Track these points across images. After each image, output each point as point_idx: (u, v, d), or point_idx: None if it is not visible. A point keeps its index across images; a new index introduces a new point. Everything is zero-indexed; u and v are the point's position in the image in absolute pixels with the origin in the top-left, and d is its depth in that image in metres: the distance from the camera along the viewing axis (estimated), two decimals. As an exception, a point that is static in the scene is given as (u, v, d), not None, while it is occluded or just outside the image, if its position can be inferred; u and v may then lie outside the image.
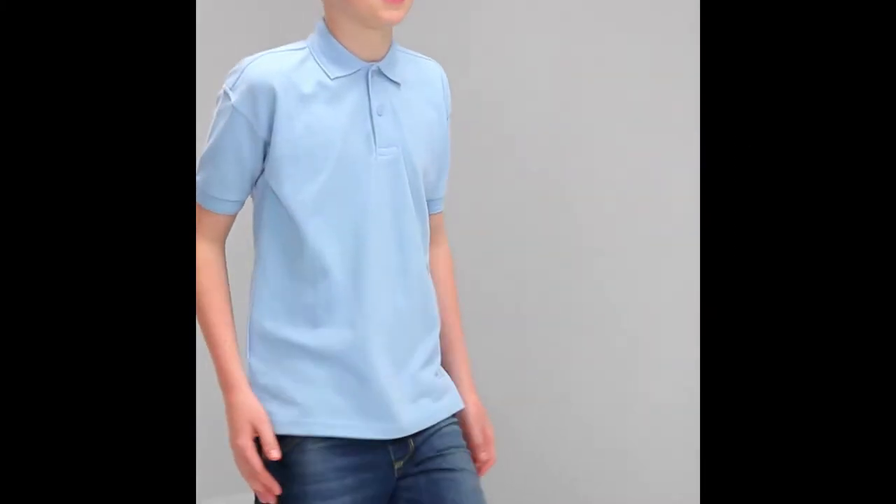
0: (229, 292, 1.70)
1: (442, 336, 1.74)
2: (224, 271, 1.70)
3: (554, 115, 3.26)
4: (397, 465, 1.63)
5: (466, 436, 1.74)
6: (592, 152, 3.18)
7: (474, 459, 1.73)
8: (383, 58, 1.62)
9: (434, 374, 1.69)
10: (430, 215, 1.71)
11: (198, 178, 1.67)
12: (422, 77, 1.68)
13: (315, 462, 1.59)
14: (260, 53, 1.65)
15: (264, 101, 1.59)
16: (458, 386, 1.74)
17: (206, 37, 4.36)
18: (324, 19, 1.64)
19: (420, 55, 1.71)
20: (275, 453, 1.56)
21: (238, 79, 1.64)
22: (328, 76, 1.59)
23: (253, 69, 1.61)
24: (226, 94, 1.65)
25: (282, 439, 1.61)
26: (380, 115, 1.59)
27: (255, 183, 1.67)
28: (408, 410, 1.63)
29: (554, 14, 3.25)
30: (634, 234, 3.12)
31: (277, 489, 1.57)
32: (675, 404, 3.06)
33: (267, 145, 1.61)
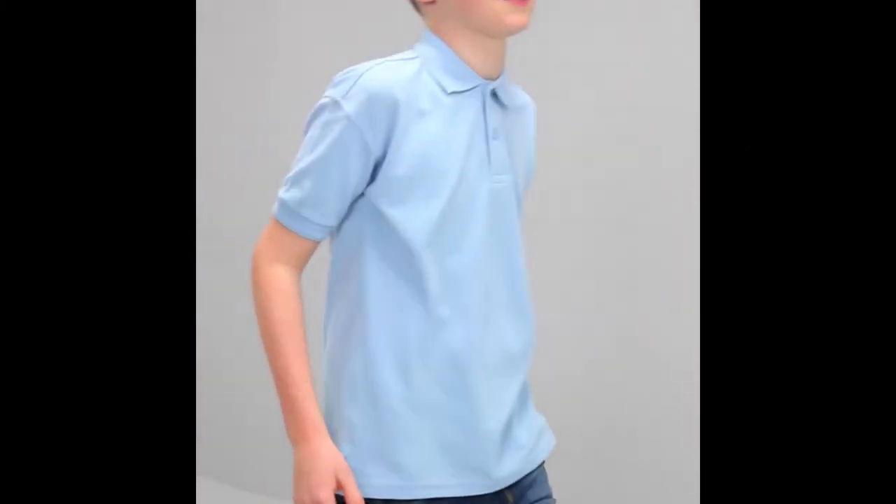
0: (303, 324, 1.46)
1: None
2: (302, 304, 1.47)
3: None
4: None
5: None
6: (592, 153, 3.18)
7: None
8: (499, 76, 1.47)
9: (531, 414, 1.56)
10: None
11: (287, 195, 1.47)
12: (519, 105, 1.54)
13: None
14: (371, 62, 1.43)
15: (385, 114, 1.38)
16: None
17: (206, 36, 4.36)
18: (430, 29, 1.48)
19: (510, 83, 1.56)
20: None
21: (352, 87, 1.41)
22: (444, 91, 1.42)
23: (371, 77, 1.40)
24: (336, 103, 1.42)
25: (372, 502, 1.45)
26: (495, 139, 1.44)
27: (348, 208, 1.45)
28: (508, 460, 1.50)
29: (553, 12, 3.25)
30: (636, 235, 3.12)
31: None
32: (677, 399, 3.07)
33: (378, 164, 1.41)
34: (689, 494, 3.03)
